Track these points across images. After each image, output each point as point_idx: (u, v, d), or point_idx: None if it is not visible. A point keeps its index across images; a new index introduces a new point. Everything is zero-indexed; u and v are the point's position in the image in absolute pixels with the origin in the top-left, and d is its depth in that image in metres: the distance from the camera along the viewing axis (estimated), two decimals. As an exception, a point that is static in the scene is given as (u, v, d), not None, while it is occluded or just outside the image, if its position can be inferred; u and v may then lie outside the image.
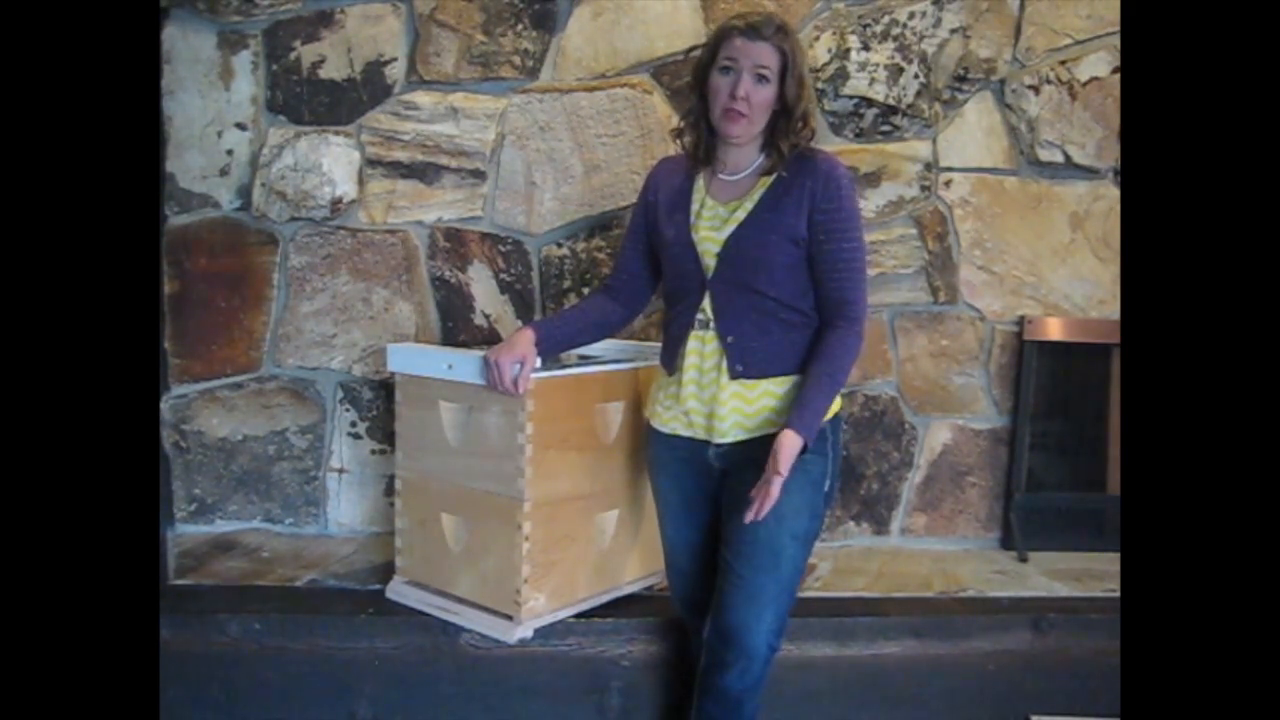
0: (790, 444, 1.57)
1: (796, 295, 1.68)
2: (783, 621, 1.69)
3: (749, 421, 1.69)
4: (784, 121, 1.67)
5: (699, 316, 1.71)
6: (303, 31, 2.44)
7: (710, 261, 1.69)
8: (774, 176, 1.68)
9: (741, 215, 1.68)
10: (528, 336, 1.79)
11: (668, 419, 1.78)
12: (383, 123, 2.46)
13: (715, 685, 1.69)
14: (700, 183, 1.76)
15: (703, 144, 1.75)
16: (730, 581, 1.67)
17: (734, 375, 1.68)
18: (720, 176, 1.74)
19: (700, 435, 1.73)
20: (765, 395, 1.68)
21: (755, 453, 1.67)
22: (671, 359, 1.76)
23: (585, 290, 2.47)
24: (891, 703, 2.12)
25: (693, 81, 1.74)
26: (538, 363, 1.80)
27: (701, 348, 1.71)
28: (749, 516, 1.57)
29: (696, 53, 1.78)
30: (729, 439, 1.70)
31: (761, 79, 1.63)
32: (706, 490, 1.77)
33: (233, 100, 2.46)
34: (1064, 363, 2.63)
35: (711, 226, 1.71)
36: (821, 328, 1.69)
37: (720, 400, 1.69)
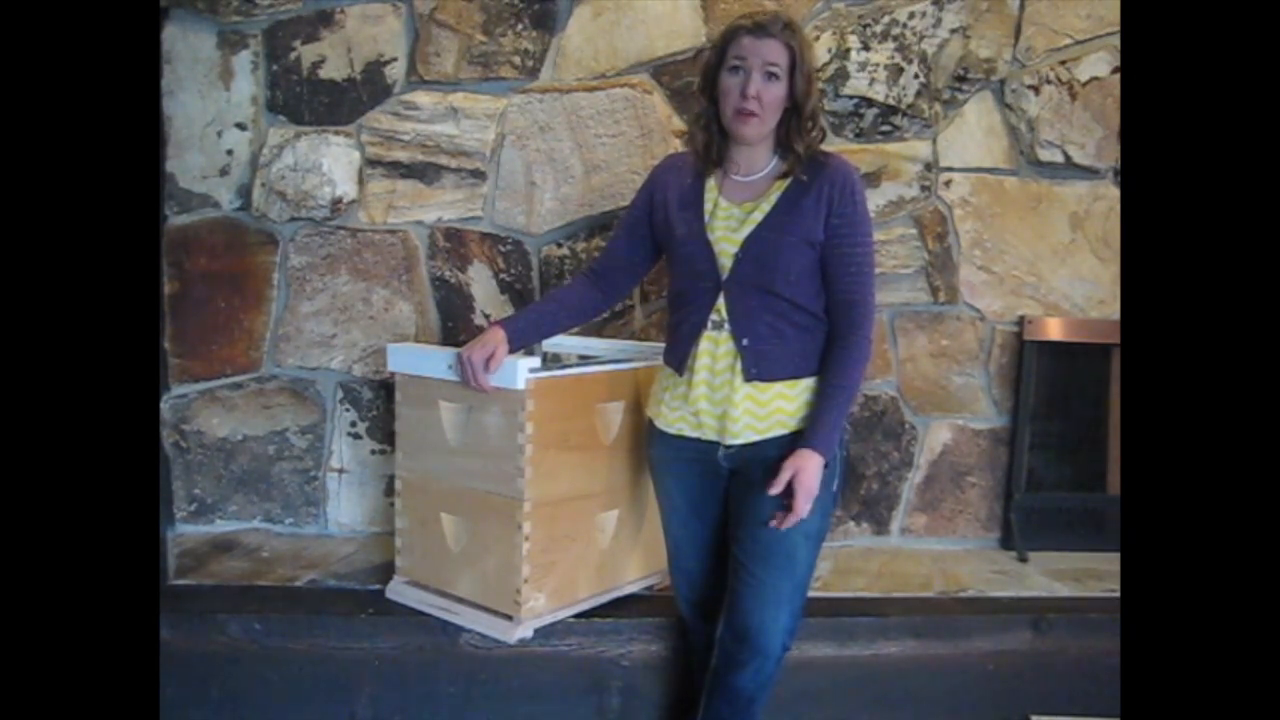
0: (813, 465, 1.61)
1: (811, 298, 1.68)
2: (797, 620, 1.70)
3: (760, 424, 1.68)
4: (795, 121, 1.67)
5: (713, 318, 1.70)
6: (303, 31, 2.44)
7: (726, 262, 1.69)
8: (790, 179, 1.69)
9: (759, 217, 1.68)
10: (498, 335, 1.81)
11: (674, 419, 1.77)
12: (383, 123, 2.46)
13: (728, 684, 1.69)
14: (712, 183, 1.76)
15: (714, 146, 1.74)
16: (745, 582, 1.67)
17: (748, 378, 1.67)
18: (733, 177, 1.74)
19: (709, 436, 1.73)
20: (778, 398, 1.68)
21: (764, 453, 1.68)
22: (681, 360, 1.75)
23: (585, 290, 2.47)
24: (891, 703, 2.12)
25: (701, 84, 1.73)
26: (507, 354, 1.81)
27: (714, 349, 1.70)
28: (774, 523, 1.63)
29: (705, 54, 1.78)
30: (740, 440, 1.70)
31: (771, 76, 1.63)
32: (714, 490, 1.77)
33: (233, 100, 2.46)
34: (1064, 363, 2.63)
35: (728, 227, 1.70)
36: (832, 333, 1.69)
37: (733, 403, 1.68)
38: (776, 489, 1.61)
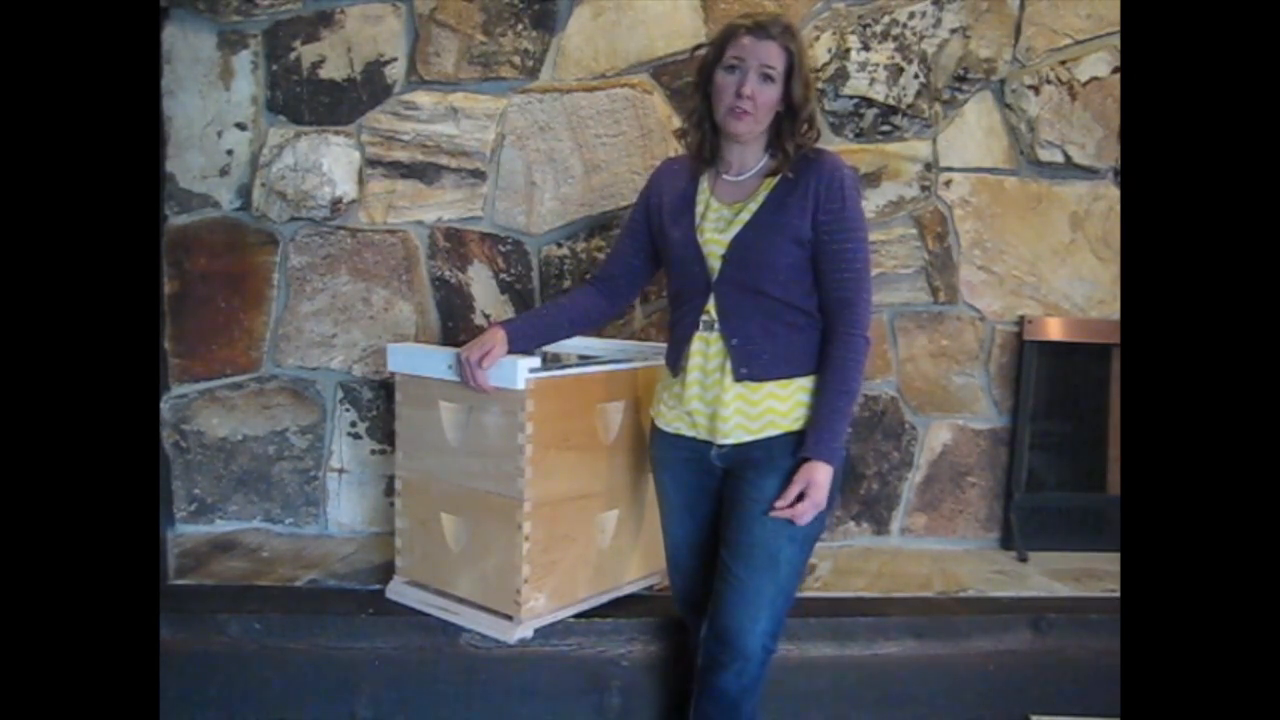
0: (824, 477, 1.61)
1: (801, 296, 1.68)
2: (779, 624, 1.69)
3: (752, 424, 1.68)
4: (789, 123, 1.67)
5: (704, 318, 1.71)
6: (303, 31, 2.44)
7: (715, 263, 1.69)
8: (779, 177, 1.68)
9: (746, 217, 1.68)
10: (497, 335, 1.81)
11: (671, 419, 1.78)
12: (383, 123, 2.46)
13: (712, 685, 1.69)
14: (704, 184, 1.76)
15: (706, 144, 1.74)
16: (727, 583, 1.67)
17: (738, 378, 1.68)
18: (725, 178, 1.74)
19: (703, 436, 1.73)
20: (769, 397, 1.68)
21: (757, 453, 1.68)
22: (676, 360, 1.76)
23: (585, 290, 2.48)
24: (891, 703, 2.12)
25: (697, 81, 1.73)
26: (505, 354, 1.80)
27: (706, 349, 1.71)
28: (775, 511, 1.63)
29: (701, 52, 1.78)
30: (731, 440, 1.70)
31: (767, 78, 1.63)
32: (708, 489, 1.77)
33: (233, 100, 2.46)
34: (1064, 363, 2.63)
35: (716, 229, 1.70)
36: (827, 334, 1.68)
37: (724, 402, 1.68)
38: (785, 501, 1.61)
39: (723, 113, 1.66)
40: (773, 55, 1.63)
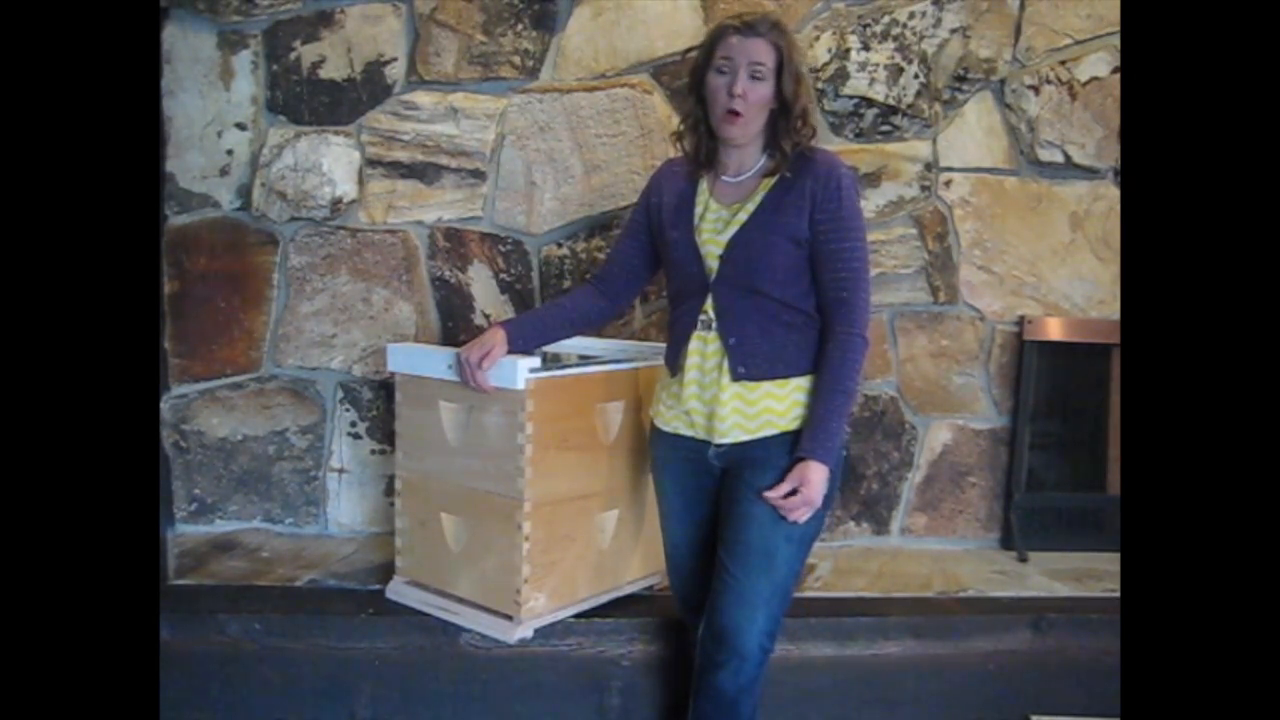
0: (819, 477, 1.61)
1: (799, 296, 1.68)
2: (776, 623, 1.69)
3: (750, 423, 1.69)
4: (783, 120, 1.67)
5: (701, 318, 1.71)
6: (303, 31, 2.44)
7: (713, 264, 1.69)
8: (776, 177, 1.69)
9: (743, 217, 1.68)
10: (498, 335, 1.81)
11: (670, 418, 1.78)
12: (383, 123, 2.46)
13: (709, 685, 1.69)
14: (704, 185, 1.77)
15: (703, 147, 1.75)
16: (724, 582, 1.67)
17: (735, 377, 1.68)
18: (723, 179, 1.75)
19: (701, 435, 1.74)
20: (767, 397, 1.68)
21: (755, 453, 1.68)
22: (675, 359, 1.77)
23: (585, 290, 2.47)
24: (891, 703, 2.12)
25: (690, 84, 1.74)
26: (505, 354, 1.80)
27: (703, 348, 1.71)
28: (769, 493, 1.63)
29: (694, 53, 1.78)
30: (729, 439, 1.70)
31: (757, 76, 1.63)
32: (707, 489, 1.78)
33: (233, 100, 2.46)
34: (1064, 363, 2.63)
35: (714, 229, 1.71)
36: (825, 334, 1.68)
37: (721, 401, 1.69)
38: (776, 493, 1.61)
39: (717, 117, 1.67)
40: (761, 52, 1.63)
